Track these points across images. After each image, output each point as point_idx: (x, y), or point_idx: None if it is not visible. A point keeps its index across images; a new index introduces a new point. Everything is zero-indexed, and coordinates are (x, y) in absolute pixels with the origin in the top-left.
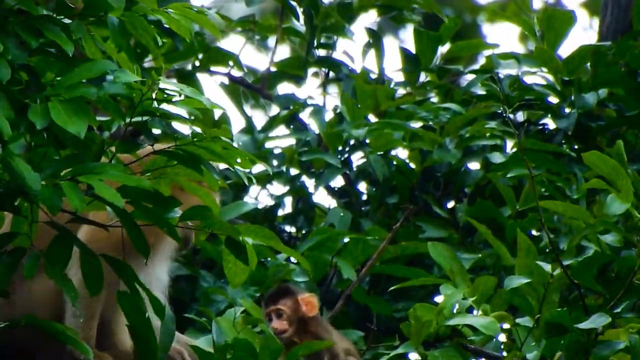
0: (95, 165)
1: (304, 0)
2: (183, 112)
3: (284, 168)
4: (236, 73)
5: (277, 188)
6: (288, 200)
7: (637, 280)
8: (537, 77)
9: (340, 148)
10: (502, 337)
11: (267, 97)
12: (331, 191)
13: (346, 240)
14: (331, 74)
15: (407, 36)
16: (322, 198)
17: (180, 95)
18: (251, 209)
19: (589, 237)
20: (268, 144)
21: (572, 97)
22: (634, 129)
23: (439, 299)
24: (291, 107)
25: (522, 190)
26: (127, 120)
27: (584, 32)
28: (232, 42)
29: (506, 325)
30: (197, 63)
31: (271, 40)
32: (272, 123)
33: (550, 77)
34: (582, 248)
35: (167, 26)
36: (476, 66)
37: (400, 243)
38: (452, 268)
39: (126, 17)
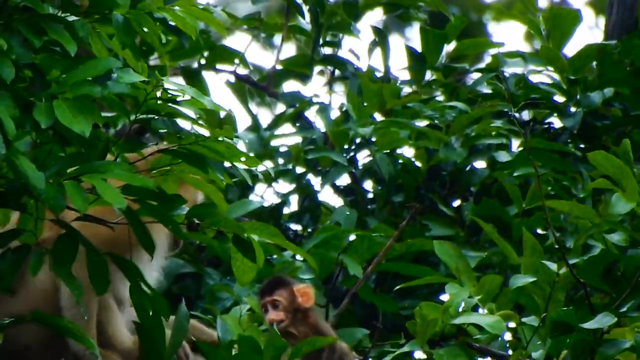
0: (100, 164)
1: None
2: (187, 111)
3: (290, 166)
4: (242, 71)
5: (283, 186)
6: (294, 199)
7: None
8: (542, 75)
9: (346, 146)
10: (508, 336)
11: (272, 95)
12: (337, 189)
13: (352, 237)
14: (337, 72)
15: (413, 34)
16: (328, 196)
17: (183, 95)
18: (257, 207)
19: (595, 236)
20: (274, 142)
21: (578, 96)
22: (639, 128)
23: (444, 297)
24: (297, 105)
25: (527, 189)
26: (132, 118)
27: (590, 31)
28: (238, 40)
29: (512, 324)
30: (202, 61)
31: (277, 38)
32: (277, 121)
33: (556, 76)
34: (588, 247)
35: (172, 24)
36: (482, 65)
37: (406, 241)
38: (458, 266)
39: (131, 15)
